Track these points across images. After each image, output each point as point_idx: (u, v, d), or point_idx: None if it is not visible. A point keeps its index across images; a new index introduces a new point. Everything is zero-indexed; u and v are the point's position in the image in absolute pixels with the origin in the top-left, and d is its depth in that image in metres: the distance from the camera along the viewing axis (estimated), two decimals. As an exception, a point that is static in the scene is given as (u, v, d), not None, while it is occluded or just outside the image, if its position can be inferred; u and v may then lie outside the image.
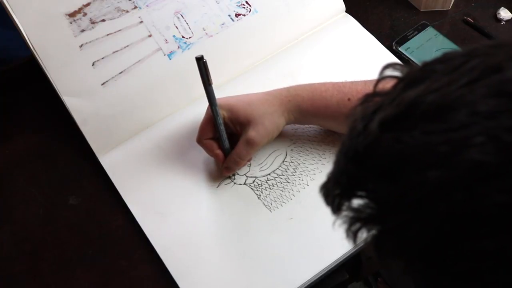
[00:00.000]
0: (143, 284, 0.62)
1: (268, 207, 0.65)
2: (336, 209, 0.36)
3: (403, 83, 0.34)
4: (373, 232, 0.34)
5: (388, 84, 0.36)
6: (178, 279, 0.60)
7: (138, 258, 0.63)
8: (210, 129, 0.65)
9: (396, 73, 0.36)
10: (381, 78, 0.37)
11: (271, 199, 0.65)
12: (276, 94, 0.65)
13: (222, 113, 0.64)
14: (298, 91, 0.65)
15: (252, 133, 0.63)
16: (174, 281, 0.60)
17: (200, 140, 0.66)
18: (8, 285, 0.62)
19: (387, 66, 0.37)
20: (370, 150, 0.33)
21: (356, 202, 0.34)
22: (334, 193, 0.35)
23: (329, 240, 0.62)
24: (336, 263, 0.61)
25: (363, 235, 0.35)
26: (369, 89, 0.67)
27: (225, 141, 0.65)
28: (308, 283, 0.60)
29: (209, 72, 0.60)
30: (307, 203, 0.65)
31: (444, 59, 0.34)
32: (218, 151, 0.65)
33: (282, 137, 0.68)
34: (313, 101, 0.64)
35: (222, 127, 0.64)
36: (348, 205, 0.35)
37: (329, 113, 0.64)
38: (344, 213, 0.35)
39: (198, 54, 0.59)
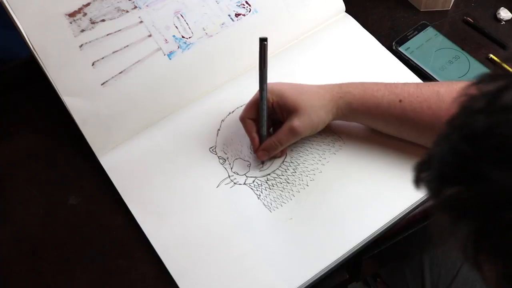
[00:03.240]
0: (143, 284, 0.62)
1: (268, 207, 0.65)
2: (434, 194, 0.32)
3: None
4: (475, 226, 0.30)
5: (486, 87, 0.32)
6: (178, 279, 0.60)
7: (138, 258, 0.63)
8: (255, 109, 0.65)
9: None
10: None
11: (271, 199, 0.65)
12: (328, 89, 0.65)
13: (271, 97, 0.64)
14: (350, 88, 0.65)
15: (296, 121, 0.64)
16: (174, 281, 0.60)
17: (243, 118, 0.67)
18: (8, 285, 0.62)
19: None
20: (494, 130, 0.29)
21: (456, 189, 0.30)
22: (436, 175, 0.32)
23: (329, 240, 0.62)
24: (336, 263, 0.61)
25: (460, 227, 0.31)
26: (421, 91, 0.66)
27: (264, 127, 0.65)
28: (308, 283, 0.60)
29: (267, 55, 0.61)
30: (307, 203, 0.65)
31: None
32: (255, 135, 0.66)
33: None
34: (364, 100, 0.64)
35: (264, 113, 0.64)
36: (450, 190, 0.31)
37: (379, 113, 0.64)
38: (441, 199, 0.31)
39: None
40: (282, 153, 0.68)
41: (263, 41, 0.61)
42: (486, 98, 0.30)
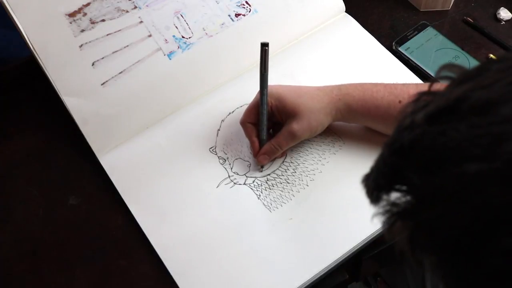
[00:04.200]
0: (143, 284, 0.62)
1: (268, 207, 0.65)
2: (374, 201, 0.36)
3: (455, 81, 0.35)
4: (408, 226, 0.34)
5: (443, 86, 0.36)
6: (178, 279, 0.60)
7: (138, 258, 0.63)
8: (256, 113, 0.66)
9: (452, 74, 0.36)
10: (437, 78, 0.37)
11: (271, 199, 0.65)
12: (327, 91, 0.65)
13: (270, 101, 0.64)
14: (349, 90, 0.65)
15: (295, 125, 0.64)
16: (174, 281, 0.60)
17: (243, 122, 0.67)
18: (8, 285, 0.62)
19: (444, 67, 0.37)
20: (415, 143, 0.33)
21: (395, 196, 0.35)
22: (374, 185, 0.36)
23: (329, 240, 0.62)
24: (336, 263, 0.61)
25: (398, 228, 0.35)
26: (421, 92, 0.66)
27: (263, 131, 0.66)
28: (308, 283, 0.60)
29: (268, 60, 0.61)
30: (306, 204, 0.65)
31: (502, 58, 0.34)
32: (255, 139, 0.67)
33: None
34: (363, 101, 0.64)
35: (264, 117, 0.64)
36: (387, 197, 0.35)
37: (379, 114, 0.64)
38: (382, 205, 0.36)
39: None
40: (282, 154, 0.68)
41: (264, 46, 0.60)
42: (411, 116, 0.34)
